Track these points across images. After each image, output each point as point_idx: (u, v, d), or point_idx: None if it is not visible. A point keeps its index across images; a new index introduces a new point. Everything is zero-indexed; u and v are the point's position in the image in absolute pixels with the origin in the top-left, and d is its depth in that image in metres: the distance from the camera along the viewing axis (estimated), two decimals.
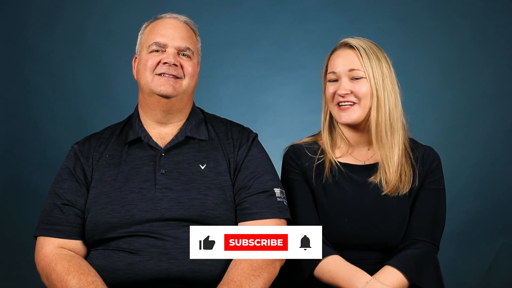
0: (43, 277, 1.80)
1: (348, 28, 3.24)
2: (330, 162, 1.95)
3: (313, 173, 1.95)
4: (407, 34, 3.28)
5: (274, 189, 1.87)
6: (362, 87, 1.89)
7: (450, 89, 3.27)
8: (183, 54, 1.90)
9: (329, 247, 1.88)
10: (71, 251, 1.82)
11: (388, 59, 1.94)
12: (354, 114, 1.90)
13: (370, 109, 1.90)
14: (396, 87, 1.93)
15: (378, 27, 3.20)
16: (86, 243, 1.86)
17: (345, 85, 1.89)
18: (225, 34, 3.27)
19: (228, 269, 1.75)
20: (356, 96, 1.89)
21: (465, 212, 3.08)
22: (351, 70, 1.89)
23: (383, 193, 1.90)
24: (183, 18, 1.96)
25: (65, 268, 1.74)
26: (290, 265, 1.87)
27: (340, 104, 1.91)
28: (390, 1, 3.32)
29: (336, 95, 1.91)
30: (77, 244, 1.84)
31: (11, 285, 3.08)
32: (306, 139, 2.07)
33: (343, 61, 1.91)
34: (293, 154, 2.00)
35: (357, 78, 1.89)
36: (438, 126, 3.22)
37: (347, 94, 1.89)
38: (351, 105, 1.90)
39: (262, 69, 3.33)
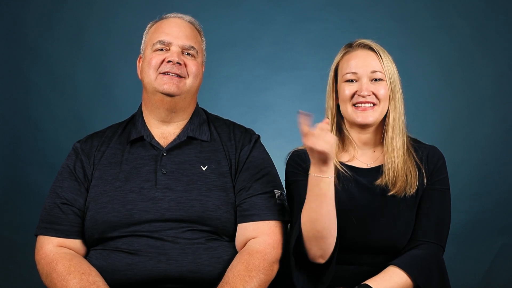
0: (43, 276, 1.80)
1: (348, 28, 3.24)
2: (336, 167, 1.91)
3: None
4: (407, 34, 3.28)
5: (275, 190, 1.87)
6: (381, 89, 1.88)
7: (450, 89, 3.28)
8: (188, 53, 1.90)
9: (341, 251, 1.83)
10: (71, 250, 1.82)
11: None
12: (372, 116, 1.88)
13: (386, 111, 1.90)
14: (401, 88, 1.93)
15: (378, 27, 3.21)
16: (86, 242, 1.86)
17: (367, 86, 1.87)
18: (225, 34, 3.27)
19: (225, 273, 1.75)
20: (377, 98, 1.88)
21: (465, 212, 3.08)
22: (373, 72, 1.88)
23: (389, 194, 1.87)
24: (188, 18, 1.96)
25: (66, 267, 1.74)
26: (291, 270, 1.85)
27: (358, 104, 1.89)
28: (390, 1, 3.32)
29: (356, 96, 1.89)
30: (76, 243, 1.84)
31: (11, 285, 3.08)
32: None
33: (364, 62, 1.89)
34: (298, 157, 1.96)
35: (376, 80, 1.89)
36: (438, 126, 3.23)
37: (369, 95, 1.87)
38: (371, 106, 1.88)
39: (262, 69, 3.33)
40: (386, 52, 1.92)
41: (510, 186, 3.19)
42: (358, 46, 1.92)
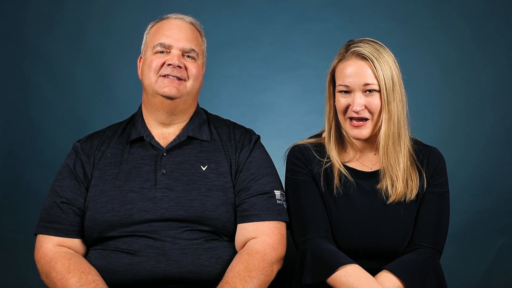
0: (43, 275, 1.80)
1: (348, 28, 3.24)
2: (339, 170, 1.89)
3: (323, 179, 1.89)
4: (407, 34, 3.28)
5: (275, 191, 1.87)
6: (375, 100, 1.82)
7: (450, 89, 3.28)
8: (188, 56, 1.89)
9: (345, 254, 1.81)
10: (70, 249, 1.82)
11: (394, 57, 1.87)
12: (365, 131, 1.84)
13: (380, 122, 1.84)
14: (403, 89, 1.87)
15: (378, 27, 3.20)
16: (85, 241, 1.86)
17: (360, 101, 1.82)
18: (225, 34, 3.27)
19: (225, 273, 1.75)
20: (369, 111, 1.83)
21: (465, 212, 3.08)
22: (366, 84, 1.81)
23: (390, 200, 1.85)
24: (188, 19, 1.95)
25: (65, 266, 1.74)
26: (295, 267, 1.86)
27: (352, 118, 1.84)
28: (390, 1, 3.32)
29: (349, 110, 1.84)
30: (76, 243, 1.84)
31: (11, 285, 3.08)
32: (310, 140, 2.00)
33: (356, 74, 1.82)
34: (301, 155, 1.93)
35: (370, 91, 1.82)
36: (438, 126, 3.23)
37: (362, 109, 1.82)
38: (363, 122, 1.84)
39: (262, 69, 3.33)
40: (382, 53, 1.83)
41: (510, 186, 3.19)
42: (352, 55, 1.84)
